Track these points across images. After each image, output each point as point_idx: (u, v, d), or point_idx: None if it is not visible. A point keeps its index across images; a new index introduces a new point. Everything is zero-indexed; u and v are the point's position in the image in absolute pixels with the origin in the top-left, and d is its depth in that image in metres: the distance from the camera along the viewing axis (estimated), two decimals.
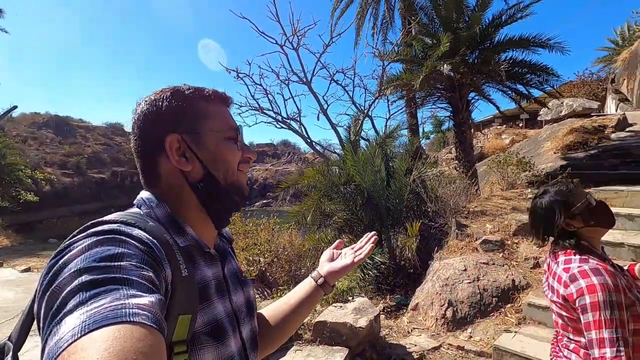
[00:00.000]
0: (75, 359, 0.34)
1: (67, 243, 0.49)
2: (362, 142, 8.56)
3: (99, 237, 0.48)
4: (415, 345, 3.23)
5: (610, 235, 3.72)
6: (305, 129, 8.27)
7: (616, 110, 13.32)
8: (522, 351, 2.78)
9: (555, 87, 7.55)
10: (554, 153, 8.59)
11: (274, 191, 7.69)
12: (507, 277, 3.63)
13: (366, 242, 0.95)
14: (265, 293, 4.25)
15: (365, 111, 8.10)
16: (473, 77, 7.23)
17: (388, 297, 4.57)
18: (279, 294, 3.63)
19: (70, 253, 0.46)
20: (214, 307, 0.63)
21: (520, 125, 17.00)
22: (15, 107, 15.38)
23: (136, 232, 0.52)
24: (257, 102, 7.78)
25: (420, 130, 12.20)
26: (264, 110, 7.94)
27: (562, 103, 11.76)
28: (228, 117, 0.70)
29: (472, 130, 8.80)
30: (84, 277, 0.42)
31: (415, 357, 3.05)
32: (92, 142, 30.82)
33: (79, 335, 0.36)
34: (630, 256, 3.51)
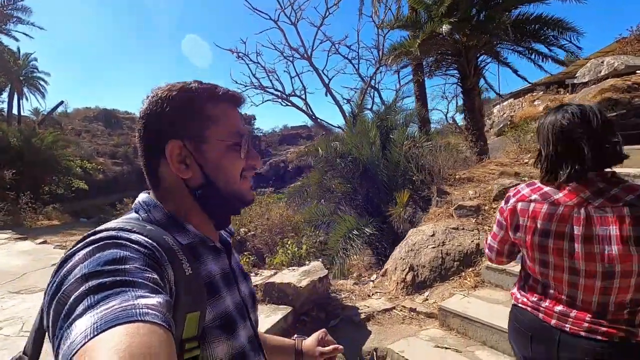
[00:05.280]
0: (89, 357, 0.34)
1: (67, 253, 0.49)
2: (369, 115, 8.39)
3: (99, 244, 0.48)
4: (368, 307, 3.25)
5: None
6: (309, 106, 8.27)
7: None
8: (463, 311, 2.71)
9: (576, 41, 6.78)
10: None
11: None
12: (472, 241, 3.48)
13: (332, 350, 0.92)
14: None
15: (368, 81, 7.91)
16: (479, 37, 6.73)
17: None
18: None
19: (73, 261, 0.47)
20: (222, 300, 0.63)
21: (562, 91, 15.49)
22: (62, 102, 16.90)
23: (134, 236, 0.52)
24: (259, 81, 7.90)
25: (430, 99, 11.63)
26: (267, 89, 8.05)
27: (602, 62, 10.57)
28: (235, 120, 0.65)
29: (489, 96, 8.23)
30: (91, 282, 0.42)
31: (362, 317, 3.08)
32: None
33: (91, 335, 0.36)
34: None
